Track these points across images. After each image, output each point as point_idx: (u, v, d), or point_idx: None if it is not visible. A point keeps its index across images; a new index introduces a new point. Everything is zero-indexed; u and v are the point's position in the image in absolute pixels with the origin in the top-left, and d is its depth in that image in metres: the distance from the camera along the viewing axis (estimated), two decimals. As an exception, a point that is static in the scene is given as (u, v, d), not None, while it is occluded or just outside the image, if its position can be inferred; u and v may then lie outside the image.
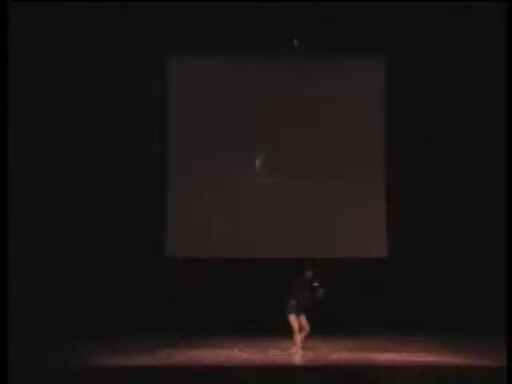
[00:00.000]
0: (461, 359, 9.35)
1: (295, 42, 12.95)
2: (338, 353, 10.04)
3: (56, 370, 8.66)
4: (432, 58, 12.97)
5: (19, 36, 11.09)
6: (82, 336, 11.55)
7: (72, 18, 12.28)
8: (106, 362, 9.22)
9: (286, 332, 10.40)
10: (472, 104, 13.00)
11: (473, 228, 12.89)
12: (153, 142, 13.24)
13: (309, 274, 10.37)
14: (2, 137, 8.71)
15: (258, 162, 13.35)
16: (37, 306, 11.72)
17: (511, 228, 9.92)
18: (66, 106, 12.79)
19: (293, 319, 10.20)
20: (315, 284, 10.27)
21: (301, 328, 10.23)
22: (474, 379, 8.42)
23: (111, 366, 8.92)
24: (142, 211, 13.03)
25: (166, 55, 13.43)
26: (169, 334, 12.14)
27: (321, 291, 10.20)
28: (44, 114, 12.51)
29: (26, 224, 11.77)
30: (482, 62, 12.76)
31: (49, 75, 12.52)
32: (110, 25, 12.62)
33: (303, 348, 10.22)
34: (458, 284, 12.77)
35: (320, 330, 10.58)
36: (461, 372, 8.68)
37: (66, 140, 12.82)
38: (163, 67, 13.44)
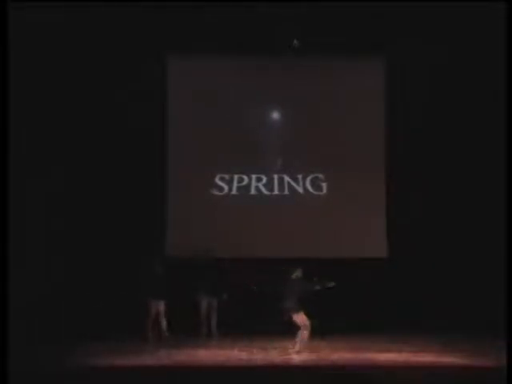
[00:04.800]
0: (461, 359, 9.34)
1: (295, 42, 12.95)
2: (338, 353, 10.03)
3: (56, 370, 8.66)
4: (432, 57, 12.96)
5: (19, 36, 11.09)
6: (81, 336, 11.55)
7: (72, 18, 12.30)
8: (105, 361, 9.21)
9: (286, 332, 10.38)
10: (472, 104, 13.00)
11: (473, 227, 12.90)
12: (153, 141, 13.24)
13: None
14: (3, 137, 8.70)
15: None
16: (37, 306, 11.73)
17: (511, 228, 9.90)
18: (65, 106, 12.80)
19: (302, 317, 10.04)
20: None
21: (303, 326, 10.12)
22: (474, 379, 8.40)
23: (111, 366, 8.92)
24: (142, 211, 13.03)
25: (166, 55, 13.45)
26: (169, 333, 12.12)
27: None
28: (44, 114, 12.53)
29: (26, 223, 11.77)
30: (482, 61, 12.76)
31: (49, 75, 12.53)
32: (110, 25, 12.63)
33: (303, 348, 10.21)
34: (458, 284, 12.78)
35: (320, 330, 10.56)
36: (461, 372, 8.68)
37: (66, 140, 12.83)
38: (163, 67, 13.45)
